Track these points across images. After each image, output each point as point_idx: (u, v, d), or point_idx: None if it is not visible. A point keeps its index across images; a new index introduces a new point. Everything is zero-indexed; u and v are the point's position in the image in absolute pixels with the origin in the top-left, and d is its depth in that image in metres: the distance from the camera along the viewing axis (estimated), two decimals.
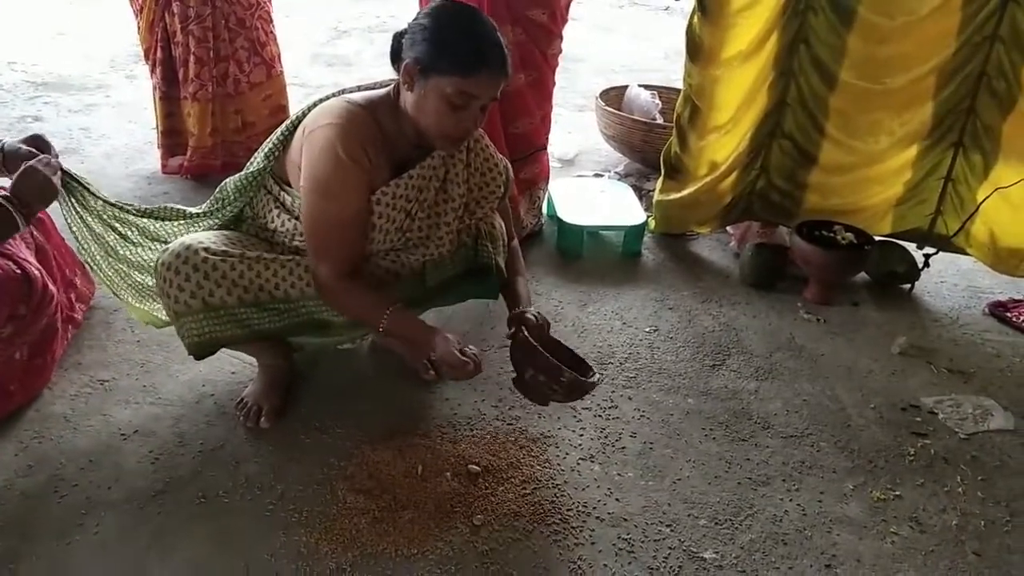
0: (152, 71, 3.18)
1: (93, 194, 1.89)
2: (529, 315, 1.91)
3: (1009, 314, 2.74)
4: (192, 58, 3.05)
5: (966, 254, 2.87)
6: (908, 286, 2.86)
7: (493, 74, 1.67)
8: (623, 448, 1.99)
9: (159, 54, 3.09)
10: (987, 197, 2.65)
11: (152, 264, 1.84)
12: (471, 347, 1.79)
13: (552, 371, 1.75)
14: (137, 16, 3.11)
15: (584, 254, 2.93)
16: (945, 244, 2.85)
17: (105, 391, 2.03)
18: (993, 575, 1.72)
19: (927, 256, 2.83)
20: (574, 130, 4.14)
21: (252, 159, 1.90)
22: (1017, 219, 2.67)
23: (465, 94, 1.65)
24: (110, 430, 1.90)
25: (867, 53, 2.59)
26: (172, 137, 3.25)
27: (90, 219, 1.91)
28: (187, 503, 1.71)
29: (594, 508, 1.79)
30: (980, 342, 2.60)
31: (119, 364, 2.13)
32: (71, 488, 1.72)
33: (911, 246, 2.89)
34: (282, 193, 1.86)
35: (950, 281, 2.97)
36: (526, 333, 1.81)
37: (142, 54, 3.22)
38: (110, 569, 1.55)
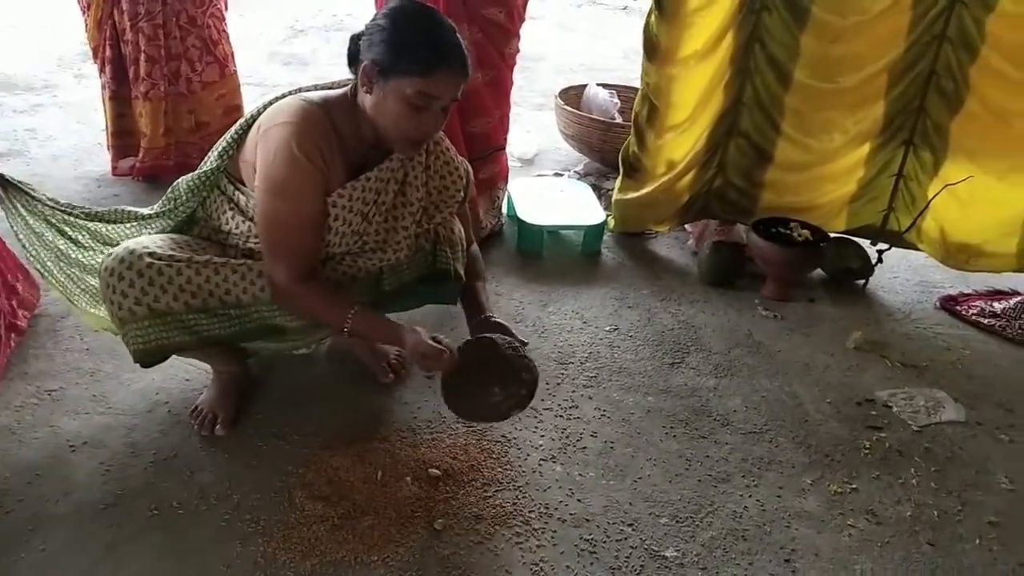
0: (101, 70, 3.10)
1: (36, 198, 1.83)
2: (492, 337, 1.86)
3: (959, 308, 2.80)
4: (143, 56, 2.98)
5: (918, 250, 2.93)
6: (862, 282, 2.91)
7: (453, 74, 1.65)
8: (584, 448, 1.99)
9: (108, 52, 3.01)
10: (936, 194, 2.71)
11: None
12: (442, 337, 1.77)
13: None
14: (84, 13, 3.03)
15: (544, 254, 2.92)
16: (897, 240, 2.91)
17: (52, 401, 1.97)
18: (946, 564, 1.75)
19: (880, 252, 2.89)
20: (533, 129, 4.14)
21: (206, 158, 1.86)
22: (965, 215, 2.73)
23: (425, 95, 1.63)
24: (58, 442, 1.84)
25: (820, 52, 2.63)
26: (123, 138, 3.18)
27: (37, 224, 1.85)
28: (139, 515, 1.67)
29: (556, 509, 1.79)
30: (932, 336, 2.65)
31: (67, 373, 2.07)
32: (16, 503, 1.67)
33: (865, 242, 2.94)
34: (236, 193, 1.82)
35: (903, 276, 3.03)
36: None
37: (90, 52, 3.14)
38: None
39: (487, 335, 1.83)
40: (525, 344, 1.85)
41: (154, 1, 2.93)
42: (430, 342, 1.72)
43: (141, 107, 3.07)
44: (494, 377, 1.75)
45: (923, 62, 2.60)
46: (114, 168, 3.22)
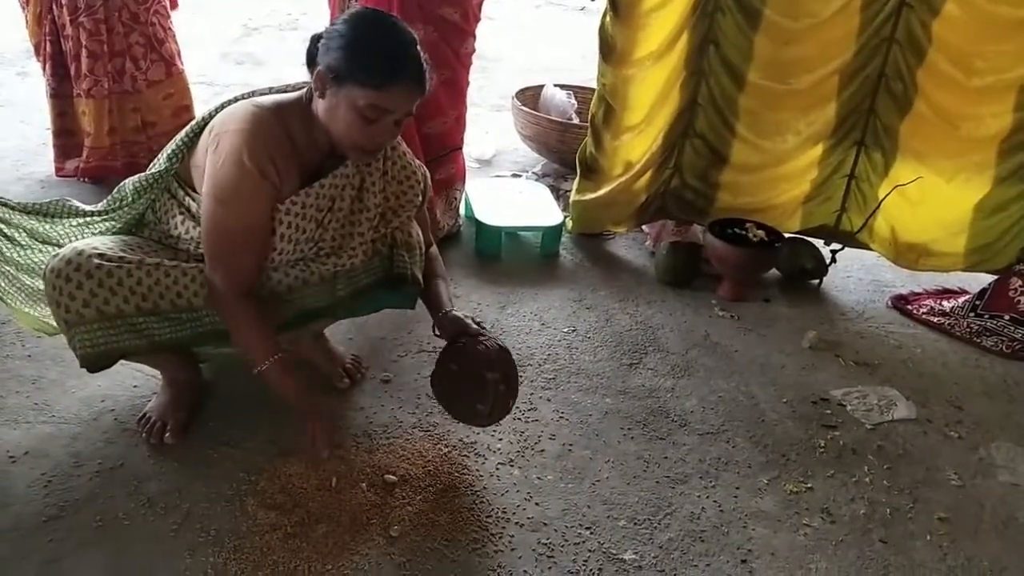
0: (43, 67, 3.00)
1: None
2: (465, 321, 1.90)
3: (910, 307, 2.85)
4: (84, 52, 2.88)
5: (870, 249, 2.98)
6: (817, 282, 2.95)
7: (408, 89, 1.61)
8: (542, 451, 1.98)
9: (48, 48, 2.91)
10: (887, 195, 2.76)
11: (43, 268, 1.72)
12: (331, 437, 1.80)
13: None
14: (24, 8, 2.93)
15: (502, 255, 2.91)
16: (850, 240, 2.95)
17: None
18: (898, 561, 1.77)
19: (834, 252, 2.93)
20: (491, 130, 4.12)
21: (155, 160, 1.81)
22: (915, 215, 2.78)
23: (378, 108, 1.59)
24: None
25: (773, 54, 2.65)
26: (65, 137, 3.08)
27: None
28: (82, 528, 1.61)
29: (513, 513, 1.77)
30: (884, 335, 2.70)
31: (7, 381, 1.99)
32: None
33: (819, 242, 2.98)
34: (187, 198, 1.77)
35: (856, 276, 3.07)
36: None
37: (32, 49, 3.04)
38: None
39: (458, 343, 1.85)
40: (505, 348, 1.85)
41: None
42: (313, 438, 1.75)
43: (84, 105, 2.97)
44: (473, 395, 1.79)
45: (873, 64, 2.64)
46: (58, 169, 3.12)
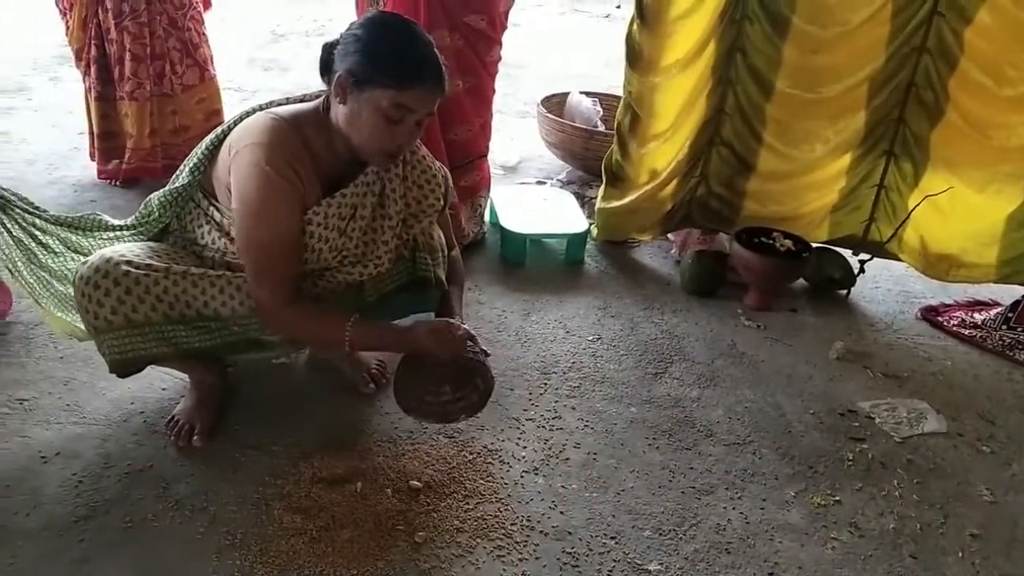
0: (86, 71, 3.05)
1: (6, 199, 1.79)
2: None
3: (940, 318, 2.82)
4: (128, 55, 2.95)
5: (899, 260, 2.95)
6: (844, 292, 2.92)
7: (429, 88, 1.63)
8: (567, 459, 1.97)
9: (93, 52, 2.97)
10: (917, 204, 2.72)
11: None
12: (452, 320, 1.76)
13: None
14: (66, 15, 2.99)
15: (527, 262, 2.91)
16: (879, 250, 2.92)
17: (24, 411, 1.92)
18: None
19: (862, 262, 2.90)
20: (516, 137, 4.13)
21: (177, 172, 1.83)
22: (946, 226, 2.75)
23: (401, 107, 1.60)
24: (29, 452, 1.79)
25: (802, 62, 2.63)
26: (108, 140, 3.13)
27: (8, 221, 1.80)
28: (112, 528, 1.63)
29: (538, 522, 1.77)
30: (913, 346, 2.66)
31: (40, 382, 2.02)
32: None
33: (847, 252, 2.95)
34: (211, 208, 1.78)
35: (884, 287, 3.04)
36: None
37: (72, 54, 3.09)
38: None
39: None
40: (488, 355, 1.84)
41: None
42: (446, 320, 1.71)
43: (127, 107, 3.03)
44: (447, 377, 1.75)
45: (903, 73, 2.61)
46: (100, 172, 3.17)
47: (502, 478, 1.88)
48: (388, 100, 1.59)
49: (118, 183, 3.16)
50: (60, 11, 3.02)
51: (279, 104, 1.77)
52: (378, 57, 1.59)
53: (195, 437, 1.86)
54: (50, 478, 1.73)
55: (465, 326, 1.84)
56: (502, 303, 2.64)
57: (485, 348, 1.84)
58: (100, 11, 2.92)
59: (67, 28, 3.02)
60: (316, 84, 1.82)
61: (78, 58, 3.05)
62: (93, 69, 3.01)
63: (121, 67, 2.98)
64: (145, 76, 2.99)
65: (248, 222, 1.64)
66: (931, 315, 2.84)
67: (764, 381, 2.37)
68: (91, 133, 3.14)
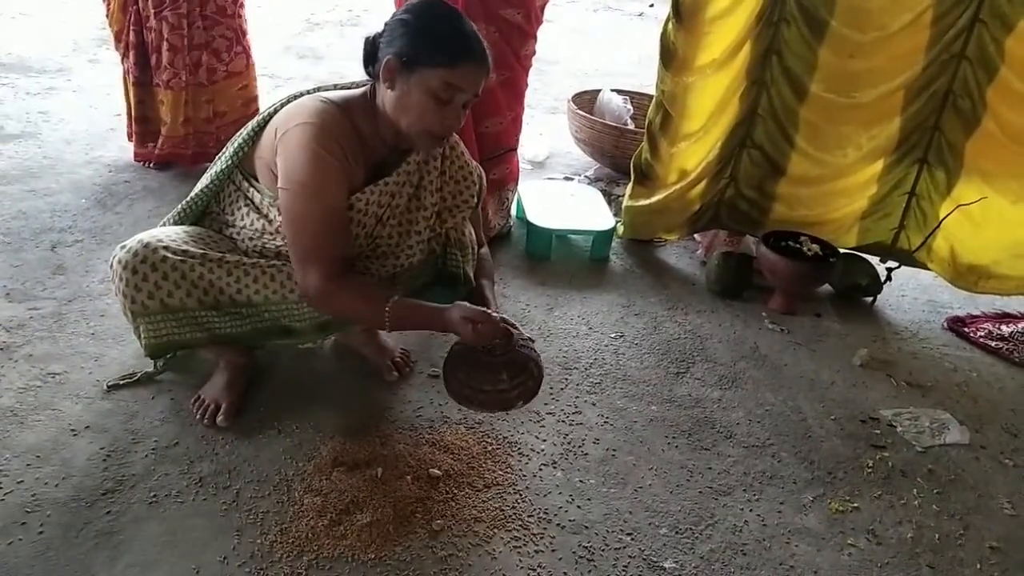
0: (124, 56, 3.08)
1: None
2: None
3: (967, 329, 2.79)
4: (165, 45, 2.98)
5: (927, 269, 2.92)
6: (870, 299, 2.89)
7: (478, 66, 1.66)
8: (586, 454, 1.98)
9: (131, 38, 3.01)
10: (949, 214, 2.70)
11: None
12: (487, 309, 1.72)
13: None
14: None
15: (552, 257, 2.92)
16: (907, 259, 2.89)
17: (56, 384, 1.96)
18: None
19: (889, 270, 2.87)
20: (545, 132, 4.13)
21: (221, 153, 1.86)
22: (977, 236, 2.72)
23: (451, 86, 1.63)
24: (60, 425, 1.83)
25: (838, 66, 2.61)
26: (143, 124, 3.17)
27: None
28: (138, 503, 1.66)
29: (555, 515, 1.78)
30: (939, 356, 2.64)
31: (72, 356, 2.06)
32: (16, 484, 1.66)
33: (874, 259, 2.93)
34: (251, 189, 1.81)
35: (911, 295, 3.01)
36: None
37: (112, 37, 3.13)
38: (54, 570, 1.49)
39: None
40: (532, 340, 1.84)
41: None
42: (480, 309, 1.66)
43: (163, 95, 3.07)
44: (503, 365, 1.71)
45: (941, 80, 2.58)
46: (136, 154, 3.22)
47: (521, 470, 1.90)
48: (439, 79, 1.61)
49: (151, 165, 3.20)
50: None
51: (326, 89, 1.79)
52: (428, 38, 1.62)
53: (220, 417, 1.89)
54: (79, 451, 1.77)
55: (503, 316, 1.84)
56: (526, 297, 2.65)
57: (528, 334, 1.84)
58: None
59: (107, 9, 3.06)
60: (350, 73, 1.84)
61: (117, 40, 3.09)
62: (132, 54, 3.04)
63: (159, 55, 3.01)
64: (182, 66, 3.01)
65: (297, 198, 1.66)
66: (958, 325, 2.81)
67: (786, 385, 2.36)
68: (128, 115, 3.19)
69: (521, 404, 1.76)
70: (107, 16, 3.08)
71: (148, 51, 3.03)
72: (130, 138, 3.22)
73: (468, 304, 1.70)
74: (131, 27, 3.00)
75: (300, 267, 1.69)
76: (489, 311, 1.69)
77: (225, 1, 3.03)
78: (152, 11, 2.94)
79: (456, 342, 1.79)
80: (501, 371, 1.71)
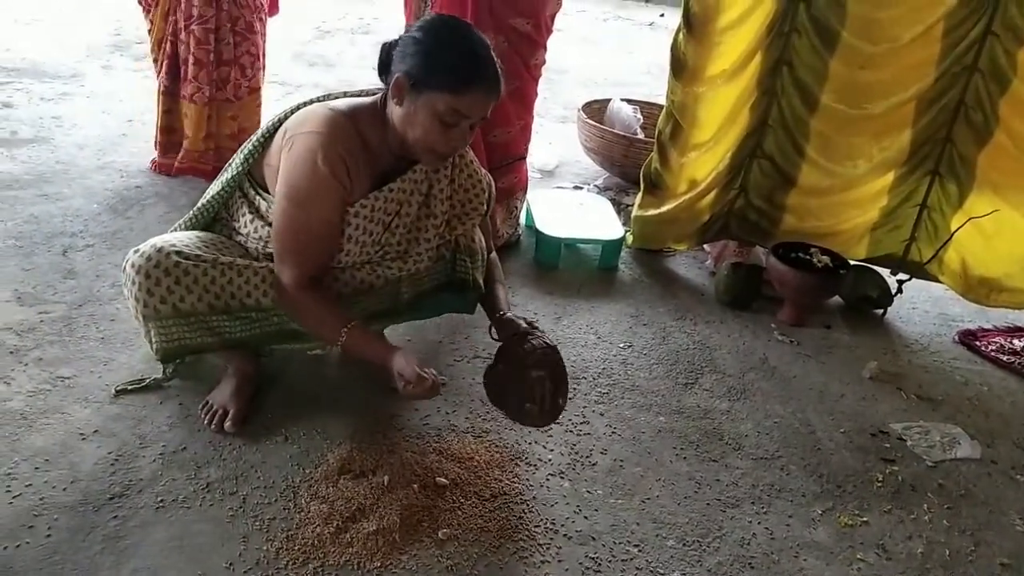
0: (159, 64, 3.11)
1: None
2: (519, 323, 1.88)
3: (978, 343, 2.77)
4: (191, 59, 3.00)
5: (938, 281, 2.90)
6: (881, 311, 2.88)
7: (485, 93, 1.65)
8: (593, 465, 1.97)
9: (168, 48, 3.03)
10: (961, 226, 2.69)
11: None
12: (430, 369, 1.73)
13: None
14: (150, 9, 3.03)
15: (560, 266, 2.91)
16: (918, 271, 2.88)
17: (65, 388, 1.96)
18: None
19: (900, 282, 2.86)
20: (555, 141, 4.13)
21: (229, 162, 1.87)
22: (989, 249, 2.70)
23: (456, 112, 1.63)
24: (68, 429, 1.84)
25: (849, 78, 2.61)
26: (168, 134, 3.19)
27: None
28: (145, 507, 1.66)
29: (562, 525, 1.77)
30: (949, 370, 2.62)
31: (81, 360, 2.07)
32: (24, 488, 1.66)
33: (885, 272, 2.91)
34: (257, 197, 1.83)
35: (921, 308, 3.00)
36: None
37: (151, 45, 3.14)
38: (61, 574, 1.49)
39: (506, 344, 1.83)
40: (549, 345, 1.83)
41: (207, 5, 2.93)
42: (416, 370, 1.67)
43: (187, 108, 3.08)
44: (546, 381, 1.77)
45: (952, 92, 2.58)
46: (158, 164, 3.21)
47: (528, 480, 1.89)
48: (444, 105, 1.61)
49: (169, 174, 3.21)
50: (143, 7, 3.07)
51: (336, 97, 1.80)
52: (437, 62, 1.61)
53: (228, 423, 1.89)
54: (87, 455, 1.77)
55: (517, 317, 1.90)
56: (534, 306, 2.64)
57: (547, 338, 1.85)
58: (177, 9, 2.97)
59: (148, 15, 3.06)
60: (361, 81, 1.85)
61: (157, 47, 3.09)
62: (166, 64, 3.06)
63: (186, 68, 3.03)
64: (206, 81, 3.02)
65: (287, 204, 1.68)
66: (969, 339, 2.79)
67: (795, 397, 2.35)
68: (157, 124, 3.21)
69: (552, 420, 1.85)
70: (148, 22, 3.09)
71: (179, 63, 3.05)
72: (156, 147, 3.24)
73: (415, 359, 1.70)
74: (169, 37, 3.02)
75: (277, 264, 1.73)
76: (426, 377, 1.68)
77: (253, 18, 3.05)
78: (183, 24, 2.97)
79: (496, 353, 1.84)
80: (544, 386, 1.77)
